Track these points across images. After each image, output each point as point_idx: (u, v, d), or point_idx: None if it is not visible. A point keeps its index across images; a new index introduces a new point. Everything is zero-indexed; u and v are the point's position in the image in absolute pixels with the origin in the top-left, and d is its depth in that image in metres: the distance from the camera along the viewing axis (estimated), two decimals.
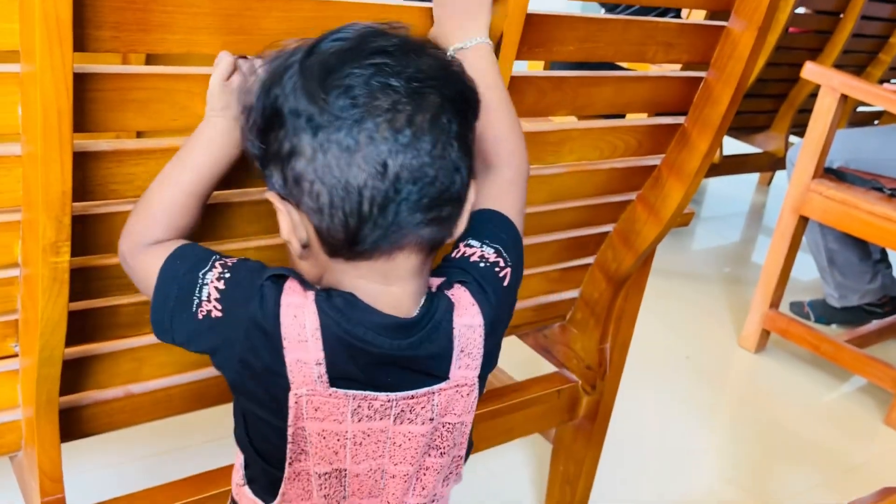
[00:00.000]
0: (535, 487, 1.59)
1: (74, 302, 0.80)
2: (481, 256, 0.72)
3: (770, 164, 3.08)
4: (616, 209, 1.23)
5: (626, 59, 1.02)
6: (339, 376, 0.65)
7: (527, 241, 1.18)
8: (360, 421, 0.66)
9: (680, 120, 1.13)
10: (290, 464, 0.67)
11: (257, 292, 0.65)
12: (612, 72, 1.03)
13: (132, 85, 0.71)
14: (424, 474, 0.71)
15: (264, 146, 0.65)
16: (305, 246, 0.66)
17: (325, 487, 0.69)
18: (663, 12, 2.31)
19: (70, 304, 0.79)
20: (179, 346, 0.69)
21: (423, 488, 0.72)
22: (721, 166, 2.74)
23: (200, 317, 0.66)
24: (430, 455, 0.71)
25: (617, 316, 1.32)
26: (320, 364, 0.64)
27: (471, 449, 0.75)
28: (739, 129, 2.91)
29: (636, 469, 1.71)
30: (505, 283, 0.73)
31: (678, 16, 2.36)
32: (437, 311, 0.67)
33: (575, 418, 1.37)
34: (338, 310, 0.64)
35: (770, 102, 2.86)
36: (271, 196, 0.66)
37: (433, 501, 0.74)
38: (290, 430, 0.65)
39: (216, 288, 0.66)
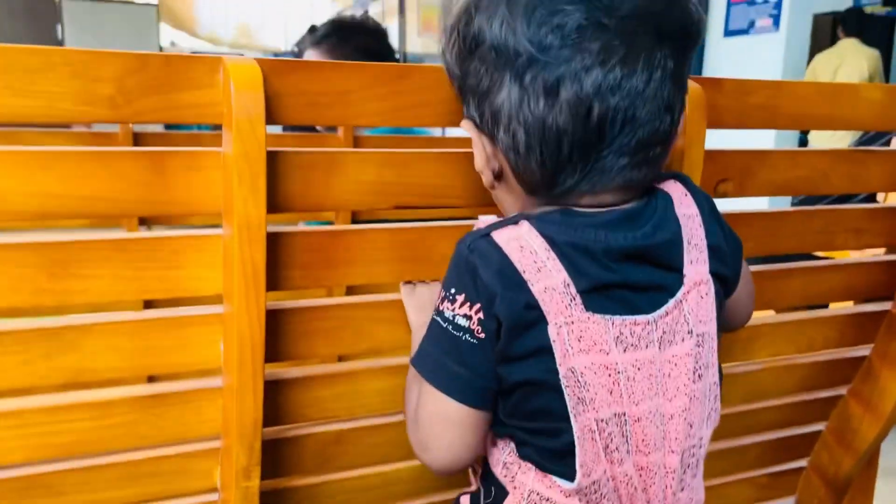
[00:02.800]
0: None
1: None
2: None
3: None
4: (826, 406, 1.12)
5: (812, 249, 0.97)
6: (590, 289, 0.60)
7: (726, 443, 1.10)
8: (626, 351, 0.61)
9: (886, 306, 1.04)
10: (574, 418, 0.60)
11: (469, 261, 0.61)
12: (800, 262, 0.98)
13: (317, 316, 0.76)
14: (692, 407, 0.64)
15: (462, 75, 0.64)
16: (499, 178, 0.65)
17: (610, 439, 0.61)
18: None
19: None
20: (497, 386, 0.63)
21: (691, 426, 0.64)
22: None
23: (476, 341, 0.61)
24: (693, 381, 0.64)
25: None
26: (568, 285, 0.60)
27: (721, 381, 0.68)
28: None
29: None
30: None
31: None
32: (657, 202, 0.64)
33: None
34: (557, 223, 0.61)
35: None
36: (466, 125, 0.65)
37: (701, 446, 0.66)
38: (561, 373, 0.60)
39: (462, 315, 0.62)
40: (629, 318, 0.61)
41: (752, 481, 1.15)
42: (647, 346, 0.62)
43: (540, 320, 0.60)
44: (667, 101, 0.59)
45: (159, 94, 0.65)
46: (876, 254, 1.08)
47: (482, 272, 0.60)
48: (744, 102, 0.85)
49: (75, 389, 0.72)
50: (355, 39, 1.83)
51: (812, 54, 4.27)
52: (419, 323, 0.77)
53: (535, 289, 0.59)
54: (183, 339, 0.72)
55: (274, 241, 0.71)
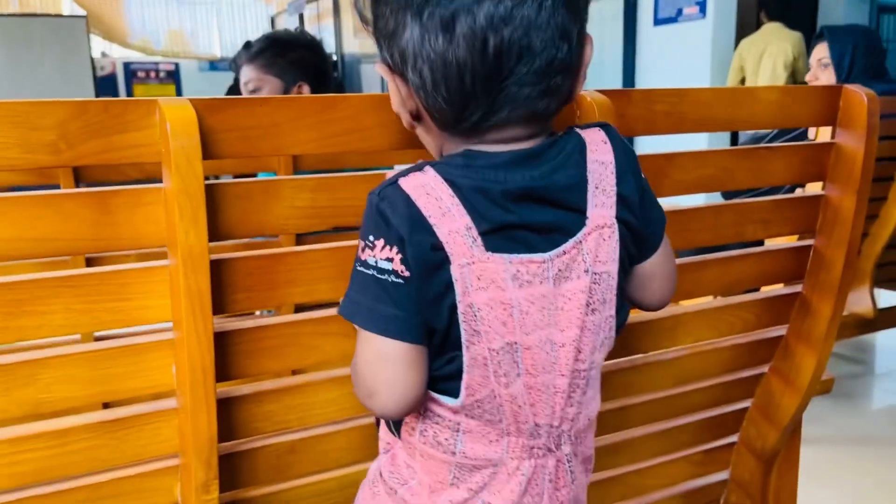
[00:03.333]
0: None
1: None
2: None
3: None
4: (750, 384, 1.20)
5: (724, 241, 1.04)
6: (490, 230, 0.65)
7: (662, 425, 1.17)
8: (521, 287, 0.66)
9: (797, 288, 1.12)
10: (466, 348, 0.67)
11: (380, 208, 0.65)
12: (713, 254, 1.05)
13: (264, 335, 0.81)
14: (583, 337, 0.70)
15: (374, 20, 0.67)
16: (417, 118, 0.69)
17: (499, 365, 0.67)
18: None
19: None
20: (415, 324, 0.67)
21: (580, 352, 0.70)
22: (878, 321, 2.58)
23: (402, 280, 0.65)
24: (586, 314, 0.69)
25: (774, 495, 1.25)
26: (470, 228, 0.64)
27: (625, 320, 0.74)
28: (892, 280, 2.76)
29: None
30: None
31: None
32: (567, 144, 0.68)
33: None
34: (461, 167, 0.65)
35: None
36: (380, 68, 0.69)
37: (592, 368, 0.72)
38: (460, 308, 0.65)
39: (384, 258, 0.65)
40: (526, 257, 0.66)
41: (688, 459, 1.22)
42: (541, 283, 0.67)
43: (445, 261, 0.64)
44: (561, 28, 0.62)
45: (99, 137, 0.69)
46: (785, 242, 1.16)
47: (392, 217, 0.64)
48: (651, 110, 0.91)
49: (35, 420, 0.75)
50: (291, 53, 1.86)
51: (738, 39, 4.42)
52: None
53: (440, 232, 0.64)
54: (136, 365, 0.76)
55: (217, 267, 0.75)
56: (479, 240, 0.65)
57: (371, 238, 0.66)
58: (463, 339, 0.67)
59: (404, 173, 0.66)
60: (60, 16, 7.48)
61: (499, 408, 0.69)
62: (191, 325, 0.72)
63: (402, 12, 0.63)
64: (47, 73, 7.05)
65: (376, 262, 0.66)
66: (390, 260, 0.65)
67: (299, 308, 1.07)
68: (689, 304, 1.11)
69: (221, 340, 0.78)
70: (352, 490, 0.94)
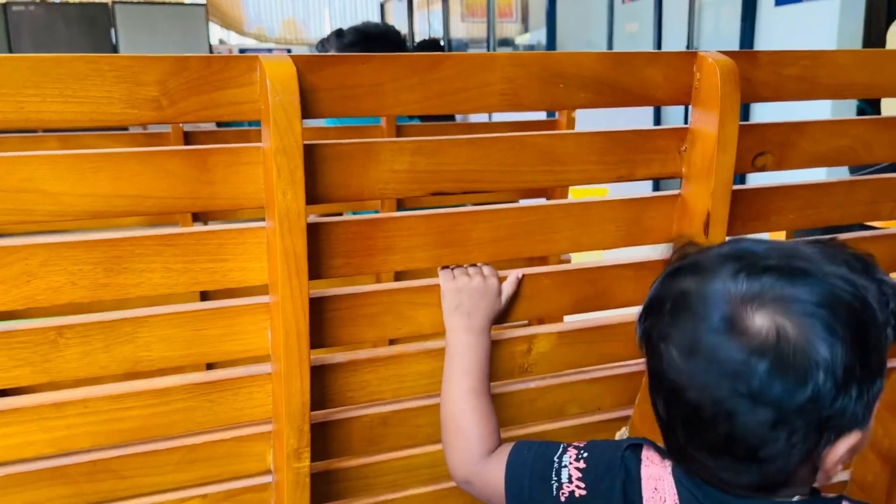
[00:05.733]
0: None
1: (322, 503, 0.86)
2: None
3: None
4: None
5: (858, 220, 0.96)
6: None
7: None
8: None
9: None
10: None
11: (621, 465, 0.66)
12: (856, 233, 0.97)
13: (361, 302, 0.79)
14: None
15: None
16: None
17: None
18: None
19: None
20: None
21: None
22: None
23: (563, 499, 0.67)
24: None
25: None
26: None
27: None
28: None
29: None
30: None
31: None
32: None
33: None
34: (697, 486, 0.63)
35: None
36: None
37: None
38: None
39: (577, 468, 0.68)
40: None
41: None
42: None
43: None
44: None
45: (200, 94, 0.68)
46: None
47: (618, 481, 0.66)
48: (779, 74, 0.84)
49: (134, 379, 0.76)
50: (379, 48, 1.87)
51: (868, 22, 4.13)
52: (452, 307, 0.79)
53: None
54: (233, 327, 0.75)
55: (315, 231, 0.73)
56: None
57: (585, 453, 0.69)
58: None
59: (653, 450, 0.67)
60: (182, 4, 7.78)
61: None
62: (286, 289, 0.71)
63: None
64: None
65: (566, 464, 0.69)
66: (577, 469, 0.68)
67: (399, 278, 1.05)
68: None
69: (317, 306, 0.76)
70: (443, 468, 0.92)
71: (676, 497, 0.63)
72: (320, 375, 0.79)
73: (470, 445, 0.76)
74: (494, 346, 0.86)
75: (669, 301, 0.61)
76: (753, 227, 0.90)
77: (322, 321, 0.77)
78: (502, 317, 0.84)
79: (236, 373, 0.77)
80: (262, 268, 0.74)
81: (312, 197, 0.71)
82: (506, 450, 0.73)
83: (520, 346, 0.88)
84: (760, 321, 0.56)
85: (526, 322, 1.24)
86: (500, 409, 0.88)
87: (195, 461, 0.80)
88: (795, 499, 0.61)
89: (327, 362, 0.80)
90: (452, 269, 0.82)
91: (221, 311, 0.74)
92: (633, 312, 0.96)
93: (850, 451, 0.59)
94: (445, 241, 0.79)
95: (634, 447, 0.67)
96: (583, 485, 0.67)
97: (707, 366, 0.57)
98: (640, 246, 0.88)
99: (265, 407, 0.79)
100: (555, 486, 0.67)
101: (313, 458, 0.81)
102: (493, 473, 0.73)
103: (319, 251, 0.74)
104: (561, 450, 0.70)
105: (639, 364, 0.94)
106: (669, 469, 0.64)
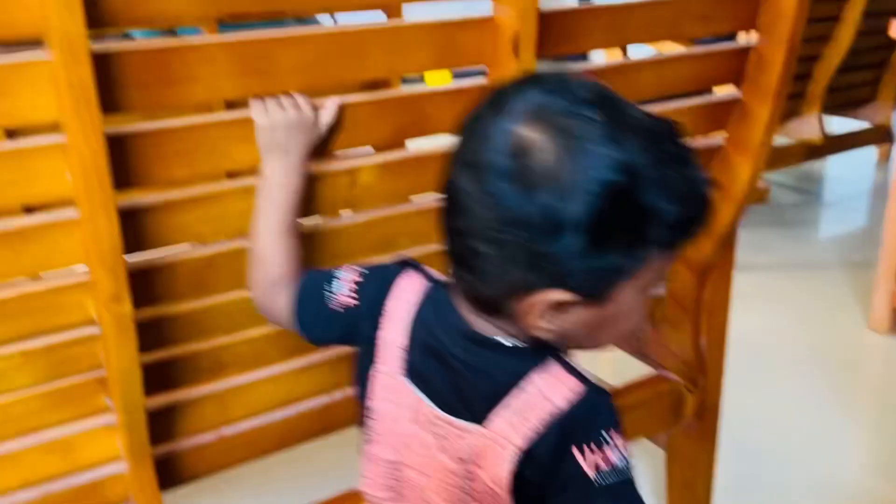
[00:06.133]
0: (653, 496, 1.52)
1: (152, 352, 0.85)
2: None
3: (881, 136, 2.89)
4: None
5: (662, 39, 1.00)
6: (413, 370, 0.67)
7: None
8: (413, 422, 0.66)
9: (736, 94, 1.09)
10: (366, 442, 0.70)
11: (389, 277, 0.70)
12: (648, 56, 1.01)
13: (168, 138, 0.76)
14: None
15: None
16: None
17: (388, 477, 0.69)
18: None
19: (149, 353, 0.84)
20: (317, 343, 0.79)
21: None
22: (825, 147, 2.59)
23: (339, 309, 0.72)
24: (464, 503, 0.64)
25: (708, 309, 1.27)
26: (403, 350, 0.67)
27: None
28: (841, 105, 2.75)
29: (769, 467, 1.61)
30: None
31: None
32: (520, 358, 0.62)
33: (682, 419, 1.31)
34: (435, 306, 0.67)
35: (870, 73, 2.69)
36: None
37: None
38: (368, 403, 0.69)
39: (354, 281, 0.73)
40: (427, 401, 0.65)
41: None
42: (428, 433, 0.65)
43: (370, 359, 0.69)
44: None
45: None
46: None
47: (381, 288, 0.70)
48: None
49: None
50: None
51: None
52: (267, 142, 0.78)
53: (381, 333, 0.68)
54: (25, 171, 0.70)
55: (104, 61, 0.68)
56: (405, 365, 0.68)
57: (365, 270, 0.73)
58: (365, 432, 0.70)
59: (420, 271, 0.71)
60: None
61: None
62: (77, 124, 0.67)
63: None
64: None
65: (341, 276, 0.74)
66: (354, 283, 0.73)
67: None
68: None
69: (121, 144, 0.73)
70: None
71: (415, 313, 0.67)
72: (133, 218, 0.77)
73: (269, 273, 0.78)
74: (316, 181, 0.85)
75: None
76: (564, 49, 0.92)
77: (126, 160, 0.74)
78: (321, 148, 0.83)
79: (37, 220, 0.73)
80: (50, 104, 0.69)
81: (93, 20, 0.65)
82: (297, 279, 0.77)
83: (342, 179, 0.88)
84: (528, 132, 0.55)
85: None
86: (329, 245, 0.89)
87: (8, 316, 0.76)
88: (509, 344, 0.62)
89: (139, 204, 0.77)
90: (265, 101, 0.79)
91: (9, 153, 0.69)
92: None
93: (557, 309, 0.58)
94: (252, 69, 0.76)
95: (408, 264, 0.71)
96: (355, 295, 0.71)
97: (473, 159, 0.57)
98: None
99: (75, 253, 0.76)
100: (332, 299, 0.72)
101: (138, 305, 0.79)
102: (285, 300, 0.77)
103: (110, 81, 0.69)
104: (342, 269, 0.74)
105: None
106: (424, 289, 0.68)
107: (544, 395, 0.60)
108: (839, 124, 2.90)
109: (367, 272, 0.73)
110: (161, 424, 0.90)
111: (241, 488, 1.46)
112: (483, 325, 0.63)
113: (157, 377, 0.87)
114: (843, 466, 1.64)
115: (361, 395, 0.71)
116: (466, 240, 0.58)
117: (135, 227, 0.77)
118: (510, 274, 0.57)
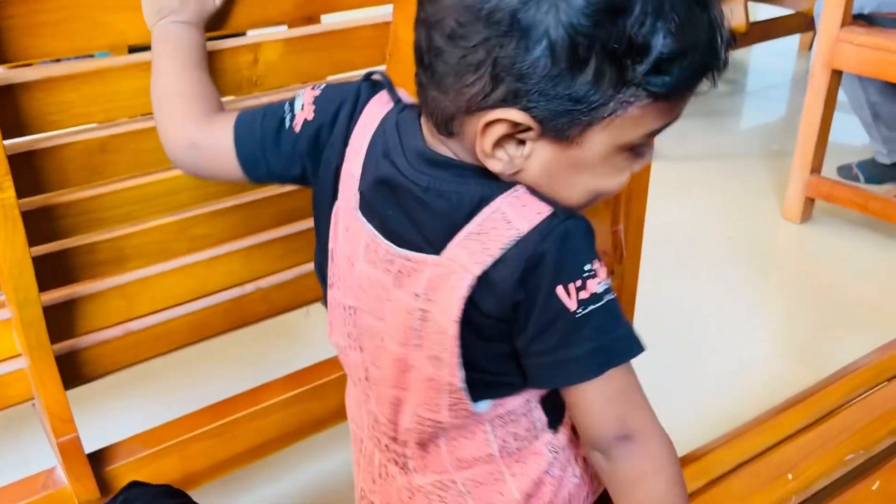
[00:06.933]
0: None
1: (46, 243, 0.80)
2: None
3: (804, 24, 2.90)
4: None
5: None
6: (366, 203, 0.60)
7: None
8: (368, 262, 0.61)
9: None
10: (329, 286, 0.65)
11: (355, 93, 0.63)
12: None
13: (39, 7, 0.68)
14: (409, 371, 0.60)
15: None
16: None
17: (348, 324, 0.64)
18: None
19: (43, 245, 0.79)
20: (278, 181, 0.68)
21: (410, 391, 0.61)
22: (751, 34, 2.59)
23: (297, 130, 0.63)
24: (416, 346, 0.59)
25: (626, 196, 1.27)
26: (357, 181, 0.60)
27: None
28: None
29: (685, 354, 1.67)
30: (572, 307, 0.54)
31: None
32: (486, 184, 0.55)
33: None
34: (397, 129, 0.59)
35: None
36: None
37: (428, 425, 0.62)
38: (330, 245, 0.63)
39: (312, 96, 0.64)
40: (380, 236, 0.59)
41: None
42: (383, 272, 0.59)
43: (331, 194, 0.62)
44: None
45: None
46: None
47: (346, 103, 0.63)
48: None
49: None
50: None
51: None
52: (154, 10, 0.71)
53: (343, 166, 0.61)
54: None
55: None
56: (358, 197, 0.62)
57: (322, 85, 0.64)
58: (328, 275, 0.65)
59: (389, 91, 0.62)
60: None
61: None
62: None
63: None
64: None
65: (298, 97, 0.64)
66: (312, 97, 0.64)
67: None
68: None
69: None
70: (182, 196, 0.88)
71: (370, 137, 0.60)
72: (10, 96, 0.70)
73: (193, 108, 0.68)
74: (215, 59, 0.79)
75: None
76: None
77: None
78: (217, 22, 0.77)
79: None
80: None
81: None
82: (232, 113, 0.67)
83: (245, 57, 0.82)
84: None
85: None
86: None
87: None
88: (468, 161, 0.56)
89: (15, 80, 0.70)
90: None
91: None
92: (364, 18, 0.93)
93: (514, 138, 0.52)
94: None
95: (377, 84, 0.63)
96: (313, 107, 0.63)
97: None
98: None
99: None
100: (288, 118, 0.63)
101: (24, 192, 0.74)
102: (221, 129, 0.66)
103: None
104: (296, 95, 0.65)
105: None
106: (389, 112, 0.61)
107: (506, 218, 0.54)
108: (764, 11, 2.90)
109: (326, 87, 0.65)
110: (62, 320, 0.86)
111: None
112: (440, 147, 0.57)
113: (53, 271, 0.82)
114: (757, 351, 1.71)
115: (325, 241, 0.64)
116: (430, 32, 0.52)
117: (12, 108, 0.71)
118: (468, 82, 0.51)
